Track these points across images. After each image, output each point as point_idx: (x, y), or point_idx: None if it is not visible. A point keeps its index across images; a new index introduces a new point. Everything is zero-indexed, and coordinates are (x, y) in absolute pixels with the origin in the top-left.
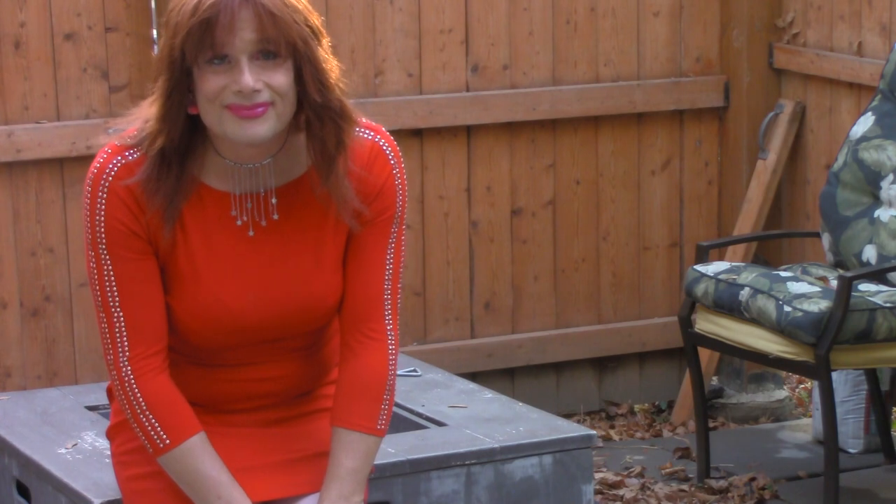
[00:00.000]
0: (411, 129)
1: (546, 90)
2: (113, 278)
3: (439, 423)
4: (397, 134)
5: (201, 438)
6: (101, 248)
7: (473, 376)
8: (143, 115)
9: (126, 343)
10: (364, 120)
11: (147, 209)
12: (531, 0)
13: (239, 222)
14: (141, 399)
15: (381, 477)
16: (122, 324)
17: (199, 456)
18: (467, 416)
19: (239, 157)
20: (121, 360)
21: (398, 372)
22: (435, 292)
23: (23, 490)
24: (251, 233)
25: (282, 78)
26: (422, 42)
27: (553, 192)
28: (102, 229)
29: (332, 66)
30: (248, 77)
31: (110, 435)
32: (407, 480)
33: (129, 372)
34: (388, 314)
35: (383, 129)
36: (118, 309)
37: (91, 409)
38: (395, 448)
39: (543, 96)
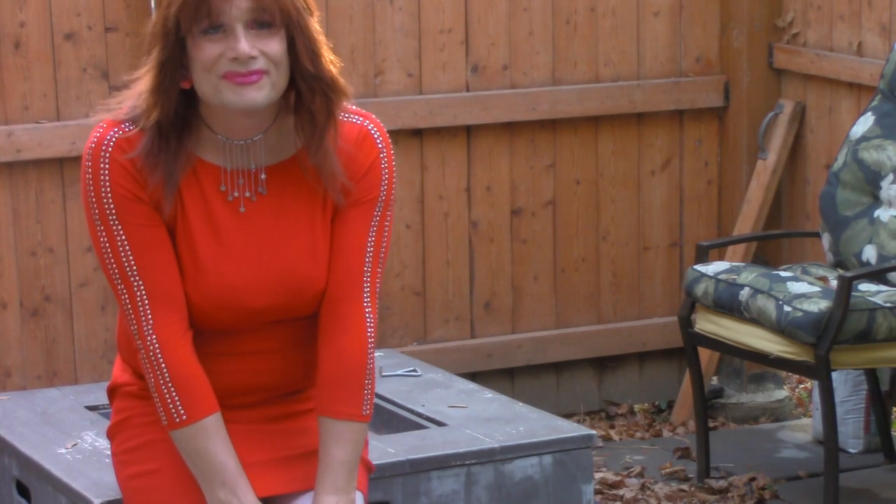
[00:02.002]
0: (411, 129)
1: (546, 90)
2: (128, 247)
3: (439, 423)
4: (397, 134)
5: (216, 419)
6: (111, 219)
7: (473, 376)
8: (134, 94)
9: (149, 311)
10: (354, 107)
11: (148, 184)
12: (531, 0)
13: (230, 198)
14: (165, 370)
15: (381, 477)
16: (144, 292)
17: (211, 437)
18: (467, 416)
19: (231, 132)
20: (145, 329)
21: (398, 372)
22: (435, 292)
23: (23, 490)
24: (242, 209)
25: (276, 46)
26: (422, 42)
27: (553, 192)
28: (111, 199)
29: (324, 39)
30: (244, 43)
31: (110, 435)
32: (407, 480)
33: (155, 341)
34: (367, 297)
35: (373, 116)
36: (137, 278)
37: (91, 409)
38: (395, 448)
39: (543, 96)
